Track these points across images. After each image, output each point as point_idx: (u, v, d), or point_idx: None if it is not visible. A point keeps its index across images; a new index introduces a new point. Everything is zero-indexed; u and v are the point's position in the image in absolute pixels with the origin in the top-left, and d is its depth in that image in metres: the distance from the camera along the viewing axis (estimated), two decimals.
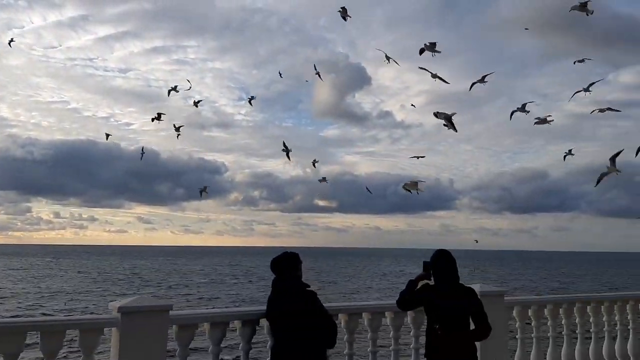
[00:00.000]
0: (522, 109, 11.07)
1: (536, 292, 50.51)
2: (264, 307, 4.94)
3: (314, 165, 13.79)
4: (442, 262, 4.88)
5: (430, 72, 10.75)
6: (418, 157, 13.55)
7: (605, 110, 10.61)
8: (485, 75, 11.09)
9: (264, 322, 5.04)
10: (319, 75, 13.33)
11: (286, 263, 4.94)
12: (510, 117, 10.91)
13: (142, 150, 16.70)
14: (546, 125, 10.05)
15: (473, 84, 11.22)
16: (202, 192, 13.84)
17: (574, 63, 11.29)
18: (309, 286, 4.92)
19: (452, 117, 10.00)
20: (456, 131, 10.14)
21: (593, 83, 10.72)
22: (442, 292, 4.76)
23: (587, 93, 10.49)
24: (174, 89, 14.49)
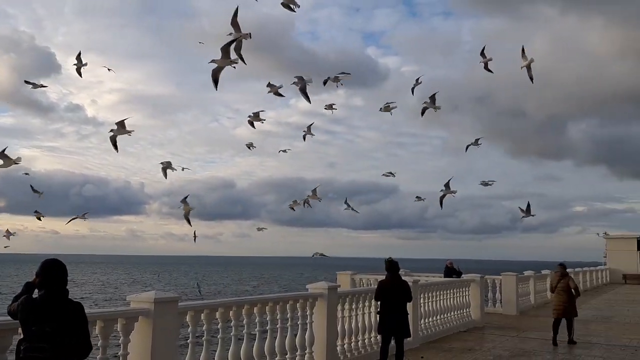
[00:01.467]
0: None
1: (222, 296, 53.03)
2: None
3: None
4: (52, 271, 4.49)
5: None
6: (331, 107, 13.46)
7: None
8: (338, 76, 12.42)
9: None
10: None
11: None
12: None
13: None
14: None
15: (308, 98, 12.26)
16: None
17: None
18: None
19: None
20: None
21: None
22: (48, 304, 4.36)
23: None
24: None
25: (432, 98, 13.06)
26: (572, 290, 13.65)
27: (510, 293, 19.88)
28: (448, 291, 14.65)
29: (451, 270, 19.03)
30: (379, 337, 10.05)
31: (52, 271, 4.47)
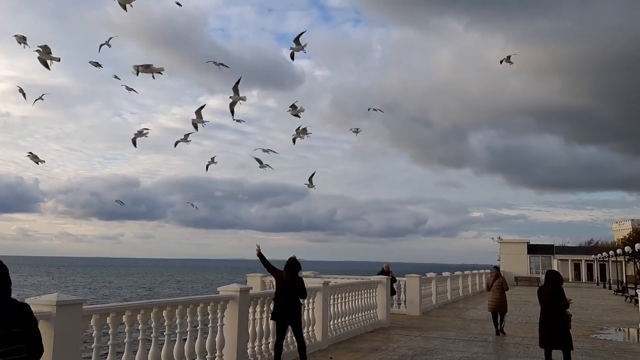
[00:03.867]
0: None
1: (123, 299, 50.84)
2: None
3: None
4: None
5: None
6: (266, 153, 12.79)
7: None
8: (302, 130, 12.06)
9: None
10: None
11: None
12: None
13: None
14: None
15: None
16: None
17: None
18: None
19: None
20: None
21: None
22: None
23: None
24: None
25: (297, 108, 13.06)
26: (504, 287, 16.12)
27: (413, 294, 20.70)
28: (357, 292, 14.99)
29: (385, 274, 19.03)
30: (288, 337, 10.21)
31: None
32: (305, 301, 11.56)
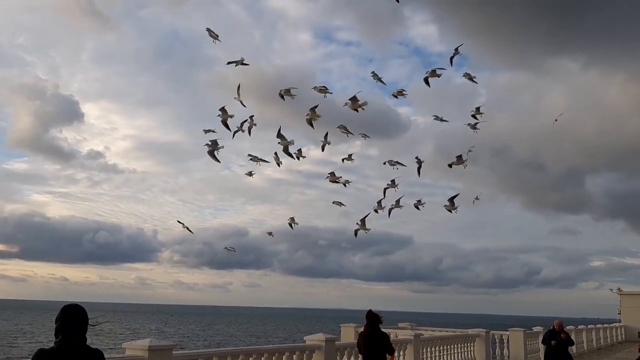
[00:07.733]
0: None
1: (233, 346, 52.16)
2: None
3: None
4: (71, 317, 4.14)
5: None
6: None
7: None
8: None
9: None
10: None
11: None
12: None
13: None
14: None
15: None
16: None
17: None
18: None
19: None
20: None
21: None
22: (65, 353, 3.97)
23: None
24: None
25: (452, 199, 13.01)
26: None
27: (517, 349, 19.46)
28: (452, 346, 14.44)
29: (557, 334, 14.60)
30: None
31: (70, 317, 4.13)
32: (396, 354, 11.33)
